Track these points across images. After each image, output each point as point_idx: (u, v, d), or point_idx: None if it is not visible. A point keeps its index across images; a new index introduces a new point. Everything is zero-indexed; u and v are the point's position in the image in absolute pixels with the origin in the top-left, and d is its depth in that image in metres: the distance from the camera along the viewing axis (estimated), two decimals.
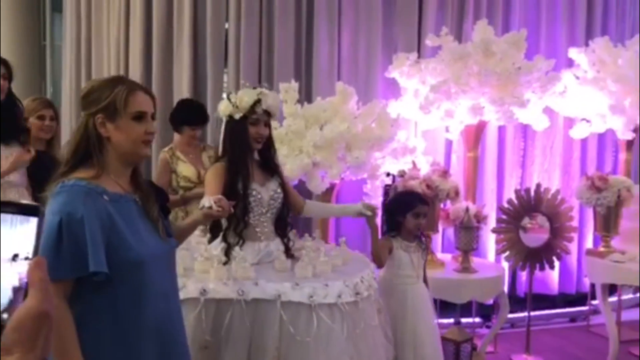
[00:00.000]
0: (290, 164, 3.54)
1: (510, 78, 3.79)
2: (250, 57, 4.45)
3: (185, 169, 3.64)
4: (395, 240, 3.09)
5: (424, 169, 3.98)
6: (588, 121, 4.45)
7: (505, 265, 4.35)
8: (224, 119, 2.73)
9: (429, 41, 4.18)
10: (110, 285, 1.56)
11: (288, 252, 2.67)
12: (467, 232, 3.64)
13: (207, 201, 2.03)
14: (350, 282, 2.42)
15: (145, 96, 1.71)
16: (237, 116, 2.67)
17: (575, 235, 4.18)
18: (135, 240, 1.61)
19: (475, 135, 4.19)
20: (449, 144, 4.81)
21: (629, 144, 4.50)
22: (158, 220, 1.74)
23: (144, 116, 1.69)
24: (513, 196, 3.95)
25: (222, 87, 4.57)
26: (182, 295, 2.04)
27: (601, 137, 5.19)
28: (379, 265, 3.03)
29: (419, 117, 4.18)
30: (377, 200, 3.92)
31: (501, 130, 4.94)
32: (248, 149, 2.69)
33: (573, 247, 4.89)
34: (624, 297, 4.87)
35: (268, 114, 2.71)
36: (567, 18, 5.17)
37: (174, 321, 1.76)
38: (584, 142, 5.13)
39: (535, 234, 4.02)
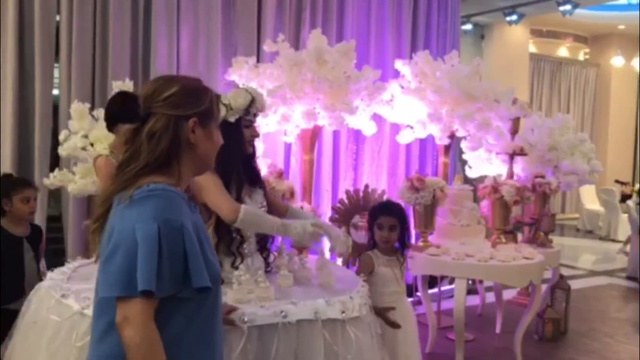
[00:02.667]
0: None
1: (341, 86, 4.04)
2: (83, 52, 4.26)
3: None
4: (375, 256, 2.95)
5: (263, 171, 4.10)
6: (412, 127, 4.86)
7: (339, 261, 4.61)
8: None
9: (266, 47, 4.31)
10: (190, 305, 1.38)
11: (267, 267, 2.54)
12: None
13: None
14: (360, 292, 2.35)
15: None
16: (232, 119, 2.47)
17: None
18: (212, 255, 1.46)
19: (311, 139, 4.39)
20: (288, 146, 4.99)
21: (446, 148, 4.99)
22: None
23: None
24: (344, 196, 4.20)
25: (52, 83, 4.33)
26: None
27: (423, 142, 5.71)
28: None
29: (258, 120, 4.29)
30: None
31: (336, 134, 5.23)
32: (242, 155, 2.51)
33: None
34: (444, 288, 5.38)
35: (255, 114, 2.58)
36: (394, 32, 5.62)
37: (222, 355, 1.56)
38: (408, 146, 5.60)
39: (366, 231, 4.31)
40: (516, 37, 11.56)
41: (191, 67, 4.63)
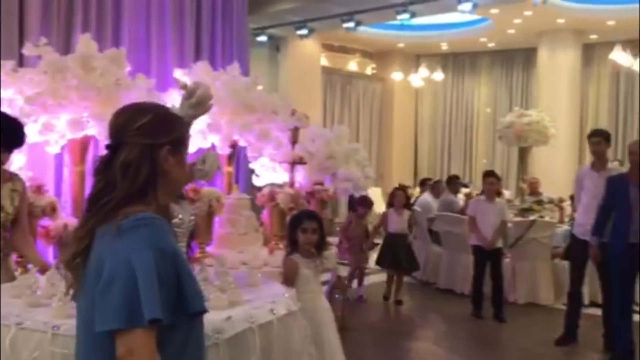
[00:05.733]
0: None
1: (110, 94, 3.87)
2: None
3: None
4: (298, 260, 3.24)
5: None
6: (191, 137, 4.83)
7: None
8: None
9: (26, 50, 3.98)
10: (181, 333, 1.40)
11: None
12: (65, 248, 3.57)
13: None
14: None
15: None
16: None
17: None
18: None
19: (81, 149, 4.14)
20: (60, 157, 4.65)
21: (229, 158, 5.04)
22: None
23: None
24: None
25: None
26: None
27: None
28: (289, 285, 3.05)
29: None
30: None
31: None
32: None
33: None
34: None
35: None
36: (176, 41, 5.55)
37: None
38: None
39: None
40: (309, 51, 12.14)
41: None
